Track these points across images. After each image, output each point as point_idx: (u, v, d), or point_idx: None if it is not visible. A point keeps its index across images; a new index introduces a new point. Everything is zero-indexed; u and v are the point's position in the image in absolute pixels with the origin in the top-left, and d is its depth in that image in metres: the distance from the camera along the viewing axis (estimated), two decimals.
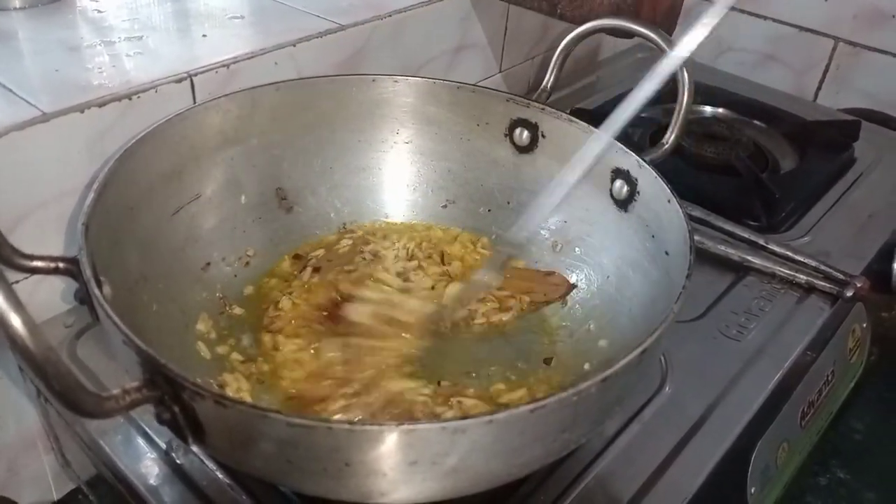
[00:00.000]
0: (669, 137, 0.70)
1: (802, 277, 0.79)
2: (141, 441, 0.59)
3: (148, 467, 0.57)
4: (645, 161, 0.63)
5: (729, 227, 0.85)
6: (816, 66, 1.28)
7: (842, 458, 0.91)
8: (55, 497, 0.76)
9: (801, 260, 0.81)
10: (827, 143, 1.03)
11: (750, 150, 1.00)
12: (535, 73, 1.16)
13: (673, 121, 0.70)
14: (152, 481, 0.56)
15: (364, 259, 0.72)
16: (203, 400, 0.39)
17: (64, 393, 0.36)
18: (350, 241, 0.74)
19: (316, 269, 0.71)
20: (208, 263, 0.67)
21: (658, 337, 0.45)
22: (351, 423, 0.38)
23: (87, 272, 0.46)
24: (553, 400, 0.41)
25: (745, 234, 0.84)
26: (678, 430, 0.62)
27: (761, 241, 0.83)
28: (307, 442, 0.39)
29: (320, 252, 0.73)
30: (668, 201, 0.59)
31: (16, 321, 0.32)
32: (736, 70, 1.29)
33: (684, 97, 0.69)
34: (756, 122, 1.09)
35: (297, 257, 0.73)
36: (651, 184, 0.62)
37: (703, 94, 1.12)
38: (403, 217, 0.78)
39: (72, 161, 0.64)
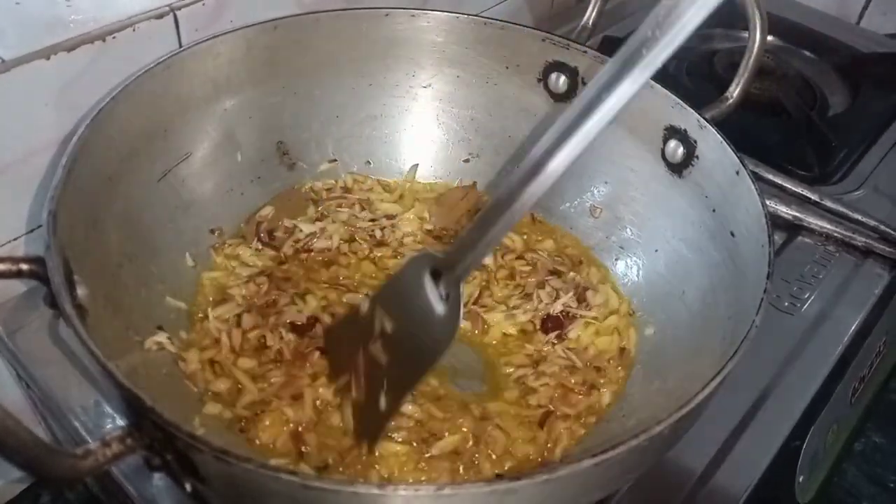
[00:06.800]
0: (735, 89, 0.60)
1: (860, 239, 0.71)
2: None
3: None
4: (706, 120, 0.55)
5: (778, 178, 0.76)
6: None
7: (877, 421, 0.87)
8: None
9: (859, 219, 0.73)
10: (882, 79, 0.93)
11: (798, 85, 0.90)
12: None
13: (741, 69, 0.59)
14: None
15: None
16: (201, 454, 0.32)
17: (30, 465, 0.29)
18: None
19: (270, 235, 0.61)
20: (212, 231, 0.59)
21: (737, 361, 0.38)
22: (381, 486, 0.32)
23: (57, 279, 0.38)
24: (623, 449, 0.34)
25: (797, 189, 0.76)
26: (727, 424, 0.56)
27: (815, 197, 0.75)
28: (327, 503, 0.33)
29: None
30: (737, 173, 0.51)
31: None
32: None
33: (756, 37, 0.58)
34: (805, 52, 0.98)
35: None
36: (714, 149, 0.54)
37: (742, 16, 1.00)
38: (420, 174, 0.69)
39: (37, 116, 0.55)
